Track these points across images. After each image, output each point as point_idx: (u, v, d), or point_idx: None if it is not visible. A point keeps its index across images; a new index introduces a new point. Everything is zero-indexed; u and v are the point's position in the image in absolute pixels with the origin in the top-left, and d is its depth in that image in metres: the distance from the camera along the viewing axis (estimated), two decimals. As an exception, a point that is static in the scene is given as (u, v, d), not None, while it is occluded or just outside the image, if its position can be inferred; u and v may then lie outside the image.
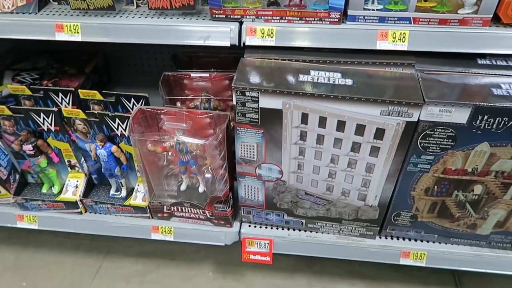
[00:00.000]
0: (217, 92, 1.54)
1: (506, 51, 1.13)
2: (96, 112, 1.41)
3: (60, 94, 1.51)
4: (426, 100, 1.08)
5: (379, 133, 1.16)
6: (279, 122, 1.21)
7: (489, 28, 1.13)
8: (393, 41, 1.14)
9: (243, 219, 1.55)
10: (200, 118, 1.38)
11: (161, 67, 2.11)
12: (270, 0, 1.19)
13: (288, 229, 1.53)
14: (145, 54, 2.09)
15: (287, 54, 1.25)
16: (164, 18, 1.25)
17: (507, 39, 1.12)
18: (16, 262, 1.86)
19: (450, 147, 1.17)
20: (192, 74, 1.52)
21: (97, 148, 1.44)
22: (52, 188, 1.64)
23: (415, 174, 1.25)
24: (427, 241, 1.47)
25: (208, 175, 1.49)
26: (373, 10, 1.14)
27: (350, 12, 1.15)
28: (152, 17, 1.25)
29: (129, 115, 1.34)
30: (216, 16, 1.21)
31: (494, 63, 1.22)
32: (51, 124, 1.45)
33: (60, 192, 1.61)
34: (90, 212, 1.62)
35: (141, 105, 1.45)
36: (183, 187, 1.57)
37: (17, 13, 1.29)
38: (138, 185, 1.58)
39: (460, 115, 1.09)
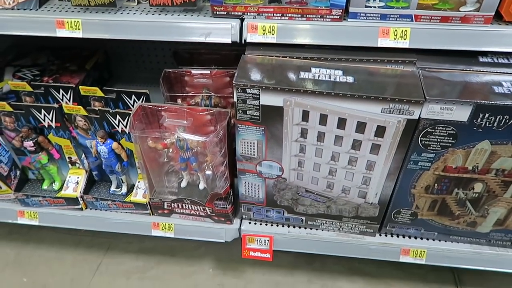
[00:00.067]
0: (218, 89, 1.54)
1: (508, 49, 1.13)
2: (97, 108, 1.41)
3: (61, 91, 1.52)
4: (427, 98, 1.08)
5: (380, 131, 1.16)
6: (280, 120, 1.21)
7: (490, 25, 1.12)
8: (395, 39, 1.14)
9: (244, 216, 1.55)
10: (201, 115, 1.38)
11: (162, 63, 2.11)
12: (271, -3, 1.19)
13: (288, 226, 1.54)
14: (146, 51, 2.09)
15: (288, 51, 1.25)
16: (165, 14, 1.25)
17: (508, 37, 1.11)
18: (17, 258, 1.87)
19: (450, 145, 1.17)
20: (193, 71, 1.52)
21: (98, 144, 1.44)
22: (53, 184, 1.65)
23: (415, 172, 1.25)
24: (427, 239, 1.47)
25: (208, 172, 1.50)
26: (375, 7, 1.14)
27: (351, 9, 1.15)
28: (153, 14, 1.25)
29: (130, 112, 1.34)
30: (217, 13, 1.21)
31: (496, 61, 1.22)
32: (52, 121, 1.45)
33: (60, 188, 1.62)
34: (90, 209, 1.63)
35: (142, 101, 1.45)
36: (183, 184, 1.57)
37: (18, 9, 1.29)
38: (138, 182, 1.59)
39: (461, 113, 1.09)
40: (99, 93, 1.47)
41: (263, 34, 1.18)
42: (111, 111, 1.38)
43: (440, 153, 1.19)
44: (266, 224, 1.55)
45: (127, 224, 1.59)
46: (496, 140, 1.14)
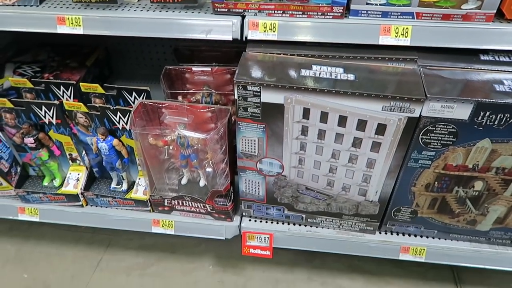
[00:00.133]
0: (219, 86, 1.54)
1: (509, 47, 1.13)
2: (97, 105, 1.40)
3: (62, 87, 1.51)
4: (428, 95, 1.08)
5: (381, 129, 1.16)
6: (280, 117, 1.21)
7: (492, 23, 1.12)
8: (396, 36, 1.14)
9: (244, 213, 1.56)
10: (202, 112, 1.38)
11: (162, 60, 2.11)
12: (272, -6, 1.18)
13: (289, 224, 1.54)
14: (147, 48, 2.08)
15: (289, 48, 1.24)
16: (166, 11, 1.25)
17: (510, 35, 1.11)
18: (18, 254, 1.87)
19: (451, 143, 1.17)
20: (194, 68, 1.52)
21: (99, 141, 1.44)
22: (53, 181, 1.65)
23: (416, 170, 1.26)
24: (427, 237, 1.48)
25: (209, 169, 1.50)
26: (376, 4, 1.13)
27: (353, 6, 1.15)
28: (154, 10, 1.25)
29: (131, 109, 1.34)
30: (218, 9, 1.21)
31: (497, 59, 1.22)
32: (52, 117, 1.45)
33: (61, 185, 1.62)
34: (91, 205, 1.63)
35: (143, 98, 1.45)
36: (184, 181, 1.57)
37: (19, 5, 1.28)
38: (139, 179, 1.59)
39: (462, 111, 1.09)
40: (100, 90, 1.47)
41: (264, 31, 1.18)
42: (111, 108, 1.38)
43: (440, 151, 1.19)
44: (266, 222, 1.55)
45: (128, 221, 1.59)
46: (497, 139, 1.14)
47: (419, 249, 1.46)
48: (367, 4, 1.14)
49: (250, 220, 1.56)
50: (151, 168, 1.48)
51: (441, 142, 1.17)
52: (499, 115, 1.09)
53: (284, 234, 1.51)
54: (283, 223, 1.54)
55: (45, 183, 1.65)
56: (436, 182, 1.28)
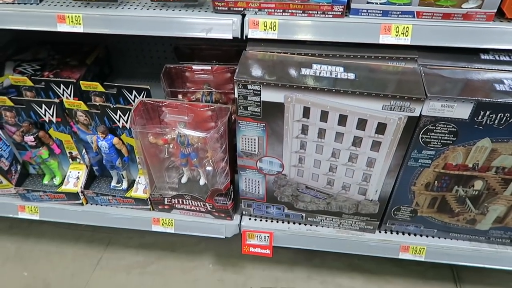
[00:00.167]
0: (219, 85, 1.54)
1: (510, 46, 1.13)
2: (97, 104, 1.41)
3: (62, 86, 1.51)
4: (428, 95, 1.08)
5: (381, 128, 1.16)
6: (280, 116, 1.21)
7: (493, 23, 1.12)
8: (396, 35, 1.14)
9: (244, 212, 1.56)
10: (202, 111, 1.38)
11: (162, 59, 2.11)
12: (273, -7, 1.18)
13: (288, 223, 1.54)
14: (147, 46, 2.08)
15: (290, 47, 1.24)
16: (166, 10, 1.24)
17: (510, 34, 1.11)
18: (18, 252, 1.88)
19: (451, 142, 1.17)
20: (194, 67, 1.52)
21: (99, 140, 1.44)
22: (54, 179, 1.65)
23: (416, 169, 1.26)
24: (427, 236, 1.48)
25: (209, 168, 1.50)
26: (377, 3, 1.13)
27: (353, 5, 1.15)
28: (154, 9, 1.25)
29: (131, 107, 1.34)
30: (219, 8, 1.21)
31: (497, 58, 1.22)
32: (52, 116, 1.45)
33: (61, 183, 1.62)
34: (91, 204, 1.63)
35: (143, 97, 1.45)
36: (184, 180, 1.57)
37: (19, 3, 1.28)
38: (139, 177, 1.59)
39: (462, 111, 1.09)
40: (100, 88, 1.47)
41: (265, 30, 1.18)
42: (111, 106, 1.38)
43: (440, 151, 1.19)
44: (266, 220, 1.55)
45: (128, 219, 1.59)
46: (497, 138, 1.14)
47: (419, 248, 1.46)
48: (368, 3, 1.13)
49: (250, 218, 1.56)
50: (151, 166, 1.48)
51: (441, 141, 1.17)
52: (499, 115, 1.09)
53: (284, 233, 1.52)
54: (283, 222, 1.54)
55: (45, 181, 1.65)
56: (436, 181, 1.28)
